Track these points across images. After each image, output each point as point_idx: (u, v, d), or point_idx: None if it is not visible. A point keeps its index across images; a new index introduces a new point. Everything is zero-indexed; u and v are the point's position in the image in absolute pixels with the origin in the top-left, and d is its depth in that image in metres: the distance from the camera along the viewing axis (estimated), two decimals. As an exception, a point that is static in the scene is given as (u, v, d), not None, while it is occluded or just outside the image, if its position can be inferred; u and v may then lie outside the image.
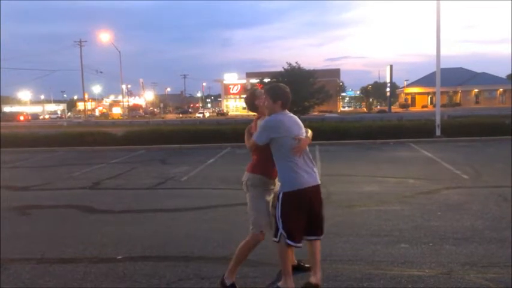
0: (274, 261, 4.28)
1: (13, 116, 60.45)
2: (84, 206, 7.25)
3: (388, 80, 65.93)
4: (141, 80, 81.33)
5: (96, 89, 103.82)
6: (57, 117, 79.31)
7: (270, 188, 3.77)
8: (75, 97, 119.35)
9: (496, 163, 10.47)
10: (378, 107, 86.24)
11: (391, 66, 65.22)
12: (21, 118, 60.67)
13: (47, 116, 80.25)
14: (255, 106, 3.89)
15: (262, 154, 3.70)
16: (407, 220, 5.73)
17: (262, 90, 3.89)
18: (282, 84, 3.80)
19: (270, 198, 3.76)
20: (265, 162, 3.69)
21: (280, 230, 3.56)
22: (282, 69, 36.41)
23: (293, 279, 3.65)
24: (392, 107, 65.77)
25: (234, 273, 3.76)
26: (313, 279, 3.69)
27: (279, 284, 3.68)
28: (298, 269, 4.01)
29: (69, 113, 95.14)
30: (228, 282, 3.71)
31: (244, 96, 4.13)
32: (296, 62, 36.22)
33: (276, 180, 3.80)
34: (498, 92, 73.04)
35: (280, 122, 3.54)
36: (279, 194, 3.60)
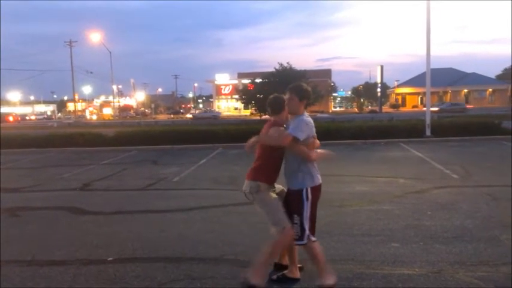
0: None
1: (2, 117, 59.74)
2: (74, 208, 7.20)
3: (379, 80, 66.21)
4: (132, 81, 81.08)
5: (87, 89, 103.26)
6: (44, 118, 78.16)
7: (271, 190, 3.75)
8: (66, 98, 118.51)
9: (486, 162, 10.58)
10: (369, 107, 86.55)
11: (381, 67, 65.54)
12: (11, 119, 60.04)
13: (33, 117, 78.73)
14: (281, 108, 3.72)
15: (269, 159, 3.65)
16: (398, 219, 5.77)
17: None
18: (303, 83, 3.84)
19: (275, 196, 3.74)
20: (269, 167, 3.67)
21: (307, 232, 3.60)
22: (274, 70, 36.36)
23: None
24: (383, 107, 66.09)
25: (262, 273, 3.64)
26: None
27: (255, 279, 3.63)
28: (281, 267, 4.03)
29: (59, 114, 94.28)
30: (254, 282, 3.58)
31: (272, 97, 3.86)
32: (287, 63, 36.17)
33: (275, 184, 3.80)
34: (487, 92, 73.72)
35: (312, 122, 3.65)
36: (303, 190, 3.56)
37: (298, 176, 3.60)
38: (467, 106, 45.45)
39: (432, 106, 48.39)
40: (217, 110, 67.66)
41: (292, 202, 3.63)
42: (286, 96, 3.67)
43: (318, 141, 3.73)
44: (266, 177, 3.67)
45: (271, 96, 3.87)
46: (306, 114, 3.69)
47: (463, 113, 33.60)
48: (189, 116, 55.26)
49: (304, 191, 3.57)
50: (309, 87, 3.78)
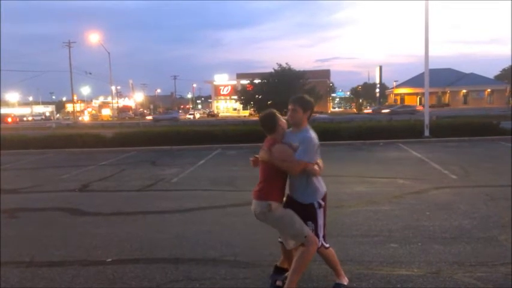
0: (265, 262, 4.30)
1: (0, 118, 59.58)
2: (73, 209, 7.19)
3: (377, 81, 66.45)
4: (130, 81, 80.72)
5: (85, 90, 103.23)
6: (41, 118, 77.90)
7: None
8: (64, 98, 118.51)
9: (484, 163, 10.60)
10: (368, 107, 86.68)
11: (380, 67, 65.78)
12: (9, 120, 59.91)
13: (30, 118, 78.41)
14: (275, 126, 3.59)
15: (276, 178, 3.55)
16: (397, 220, 5.78)
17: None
18: (305, 94, 3.80)
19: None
20: (277, 186, 3.57)
21: (321, 239, 3.60)
22: (273, 70, 36.40)
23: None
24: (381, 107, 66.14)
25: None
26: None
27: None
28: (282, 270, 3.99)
29: (58, 115, 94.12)
30: None
31: (262, 116, 3.70)
32: (286, 63, 36.34)
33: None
34: (486, 92, 73.84)
35: (317, 139, 3.57)
36: (314, 203, 3.55)
37: (307, 191, 3.56)
38: (417, 108, 47.61)
39: (385, 108, 50.85)
40: (211, 109, 67.32)
41: (302, 213, 3.55)
42: (289, 107, 3.58)
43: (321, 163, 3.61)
44: (275, 195, 3.56)
45: (261, 116, 3.72)
46: (309, 126, 3.64)
47: (414, 115, 35.06)
48: (149, 118, 55.31)
49: (316, 204, 3.56)
50: (312, 99, 3.73)
